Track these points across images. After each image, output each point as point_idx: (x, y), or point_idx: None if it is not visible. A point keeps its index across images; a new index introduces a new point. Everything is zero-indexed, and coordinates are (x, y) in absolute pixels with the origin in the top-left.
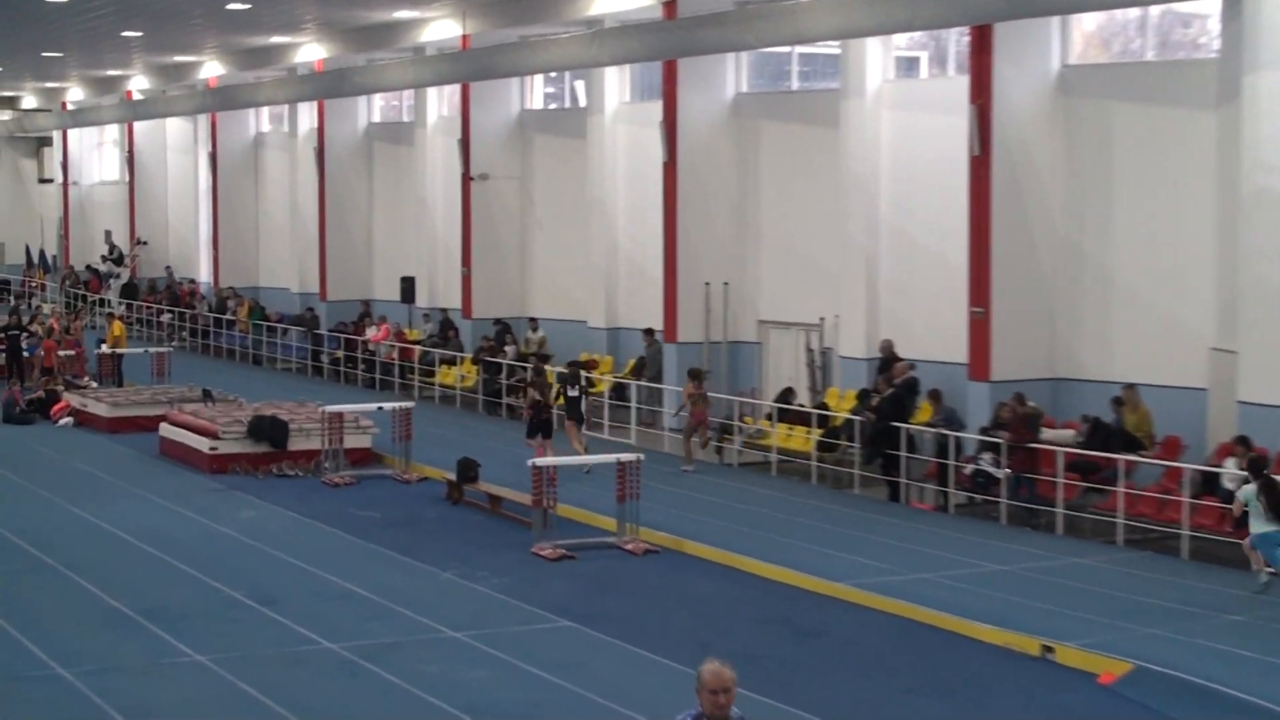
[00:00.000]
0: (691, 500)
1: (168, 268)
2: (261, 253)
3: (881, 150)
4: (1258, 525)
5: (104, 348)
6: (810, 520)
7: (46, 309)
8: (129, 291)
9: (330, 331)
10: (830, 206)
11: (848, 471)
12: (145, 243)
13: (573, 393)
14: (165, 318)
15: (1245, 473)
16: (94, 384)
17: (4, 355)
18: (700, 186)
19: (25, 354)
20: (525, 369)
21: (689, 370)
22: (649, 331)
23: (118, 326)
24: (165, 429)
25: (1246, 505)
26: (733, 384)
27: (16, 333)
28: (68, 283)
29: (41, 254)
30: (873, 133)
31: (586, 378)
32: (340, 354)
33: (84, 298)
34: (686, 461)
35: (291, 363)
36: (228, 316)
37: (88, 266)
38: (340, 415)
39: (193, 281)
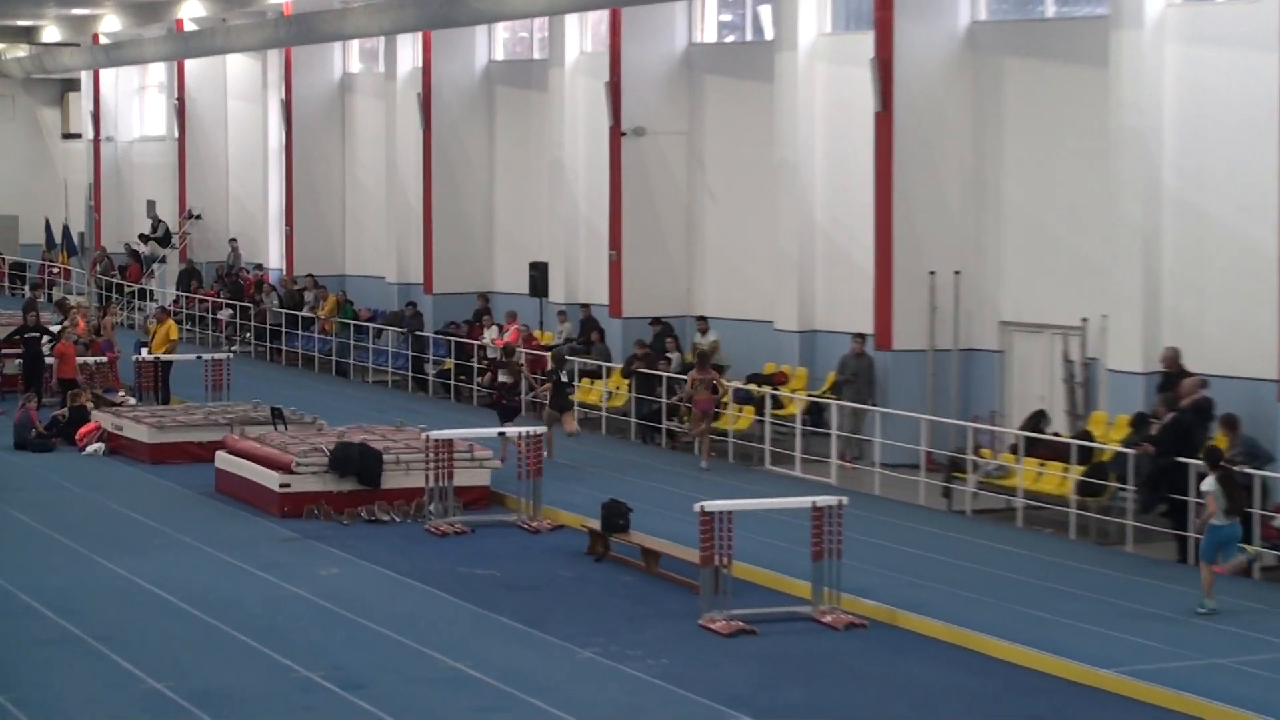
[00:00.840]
0: (908, 558)
1: (232, 242)
2: (349, 232)
3: (1165, 98)
4: (1219, 516)
5: (144, 353)
6: (1069, 586)
7: (73, 302)
8: (189, 280)
9: (437, 334)
10: (1095, 172)
11: (1118, 522)
12: (199, 217)
13: (564, 379)
14: (224, 315)
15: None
16: (131, 400)
17: (19, 364)
18: (924, 145)
19: (48, 362)
20: (683, 381)
21: (695, 354)
22: (859, 337)
23: (171, 327)
24: (223, 459)
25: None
26: (965, 405)
27: (35, 335)
28: (99, 268)
29: (65, 231)
30: (1153, 74)
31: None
32: (450, 363)
33: (120, 288)
34: (704, 457)
35: (387, 374)
36: (304, 313)
37: (126, 247)
38: (450, 444)
39: (259, 268)
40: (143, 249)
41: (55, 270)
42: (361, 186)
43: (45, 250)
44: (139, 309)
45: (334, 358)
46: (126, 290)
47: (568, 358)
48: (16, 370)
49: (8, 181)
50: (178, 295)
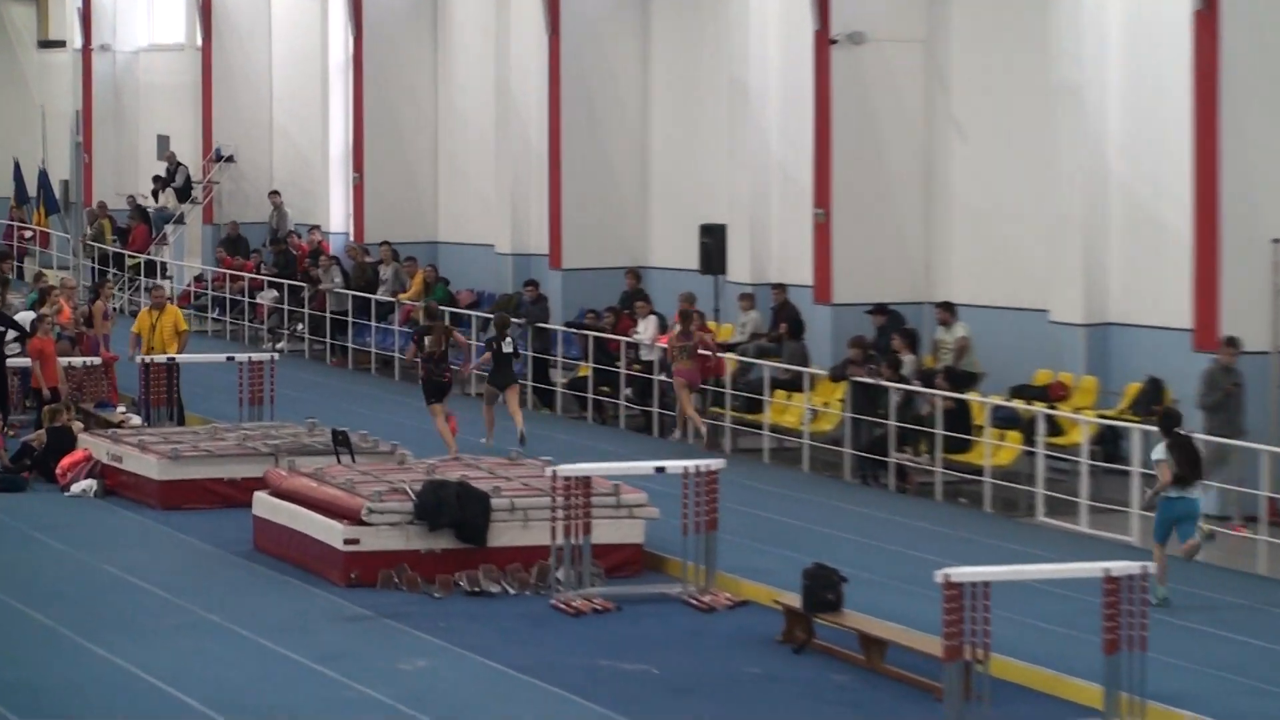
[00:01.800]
0: (1247, 653)
1: (275, 195)
2: (444, 182)
3: None
4: (1169, 488)
5: (138, 355)
6: None
7: (53, 281)
8: (234, 249)
9: (569, 326)
10: None
11: None
12: (230, 159)
13: (505, 348)
14: (266, 298)
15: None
16: (135, 419)
17: None
18: (1266, 54)
19: (17, 366)
20: (889, 388)
21: (680, 312)
22: (1230, 343)
23: (177, 316)
24: (264, 504)
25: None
26: None
27: None
28: (90, 232)
29: (43, 179)
30: None
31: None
32: (587, 368)
33: (120, 260)
34: (696, 435)
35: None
36: (380, 296)
37: (129, 202)
38: (587, 484)
39: (315, 232)
40: (152, 204)
41: (28, 235)
42: (461, 118)
43: (14, 206)
44: (148, 289)
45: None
46: (129, 263)
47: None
48: None
49: None
50: (201, 272)
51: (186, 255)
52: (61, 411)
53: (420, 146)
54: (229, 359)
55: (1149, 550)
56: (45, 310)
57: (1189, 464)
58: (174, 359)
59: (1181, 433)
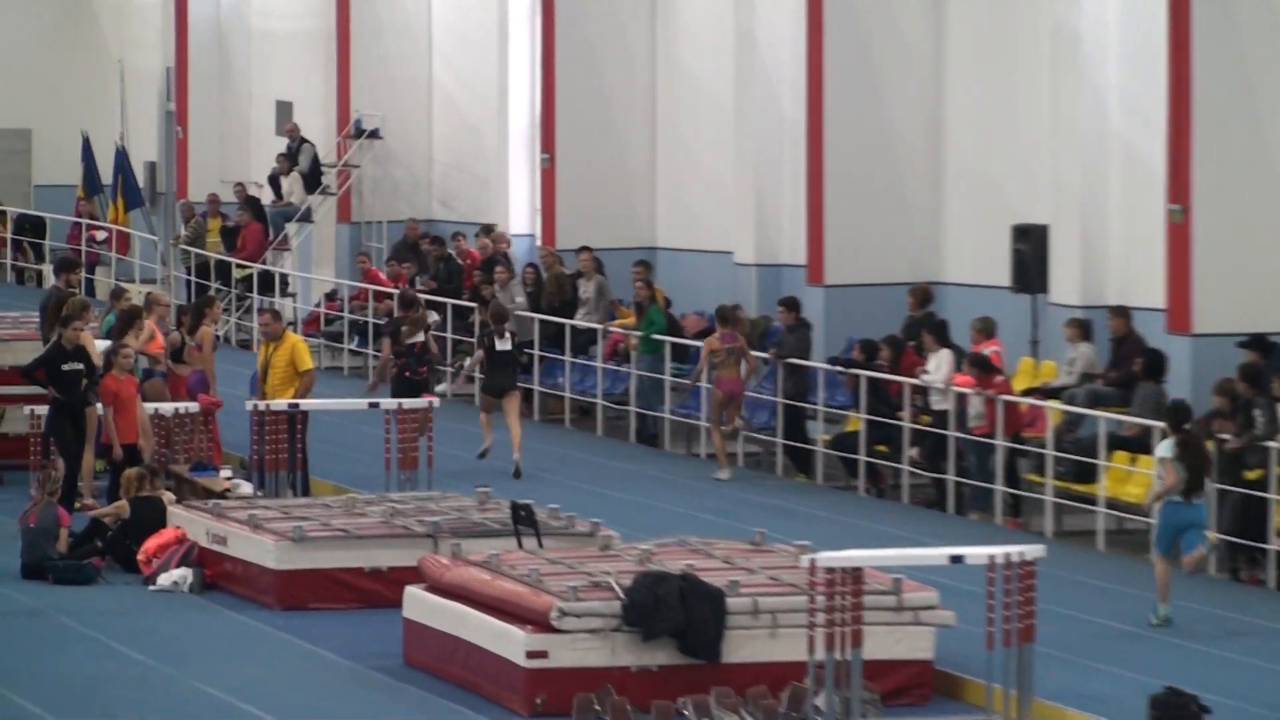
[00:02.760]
0: None
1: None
2: (663, 171)
3: None
4: (1173, 493)
5: (255, 402)
6: None
7: (135, 298)
8: (405, 258)
9: (834, 363)
10: None
11: None
12: (375, 134)
13: (501, 345)
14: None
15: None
16: (245, 486)
17: (35, 416)
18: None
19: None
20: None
21: (717, 311)
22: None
23: (299, 349)
24: (418, 603)
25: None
26: None
27: (69, 365)
28: (187, 232)
29: (121, 161)
30: None
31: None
32: (857, 419)
33: (227, 271)
34: (721, 464)
35: (752, 436)
36: (578, 320)
37: (239, 194)
38: (857, 576)
39: (488, 234)
40: (268, 196)
41: (101, 236)
42: (688, 80)
43: (82, 197)
44: (267, 308)
45: (634, 407)
46: (238, 275)
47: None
48: (30, 428)
49: (10, 66)
50: (334, 288)
51: (315, 265)
52: (146, 477)
53: (633, 118)
54: (372, 406)
55: None
56: (129, 340)
57: (1196, 468)
58: (298, 406)
59: (1191, 430)
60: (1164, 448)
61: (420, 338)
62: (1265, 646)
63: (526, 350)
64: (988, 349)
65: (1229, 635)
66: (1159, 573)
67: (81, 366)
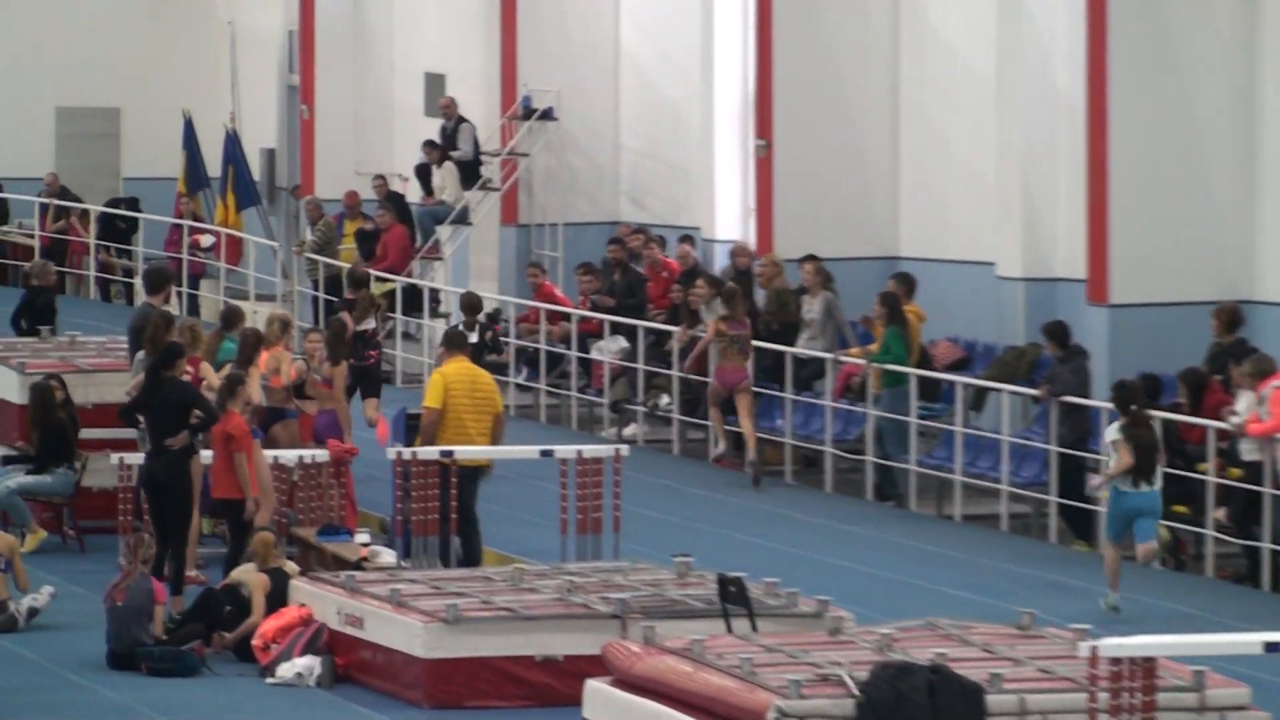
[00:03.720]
0: None
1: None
2: (906, 162)
3: None
4: (1120, 479)
5: (399, 449)
6: None
7: (253, 316)
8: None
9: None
10: None
11: None
12: (549, 115)
13: (471, 338)
14: (608, 350)
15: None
16: (384, 553)
17: (125, 467)
18: None
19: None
20: None
21: (722, 293)
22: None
23: (451, 369)
24: (602, 700)
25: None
26: None
27: (175, 400)
28: (314, 236)
29: (232, 149)
30: None
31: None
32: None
33: (363, 283)
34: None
35: (998, 495)
36: (804, 350)
37: (378, 188)
38: (1149, 668)
39: (687, 242)
40: (416, 193)
41: (206, 243)
42: (941, 50)
43: (183, 193)
44: (416, 329)
45: (871, 456)
46: (378, 290)
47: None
48: (119, 480)
49: (96, 30)
50: (498, 307)
51: (473, 277)
52: (268, 543)
53: (869, 95)
54: (544, 454)
55: None
56: (260, 371)
57: (1145, 450)
58: (450, 454)
59: (1140, 411)
60: (1113, 430)
61: (370, 323)
62: None
63: (502, 341)
64: None
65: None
66: (1109, 560)
67: (177, 400)
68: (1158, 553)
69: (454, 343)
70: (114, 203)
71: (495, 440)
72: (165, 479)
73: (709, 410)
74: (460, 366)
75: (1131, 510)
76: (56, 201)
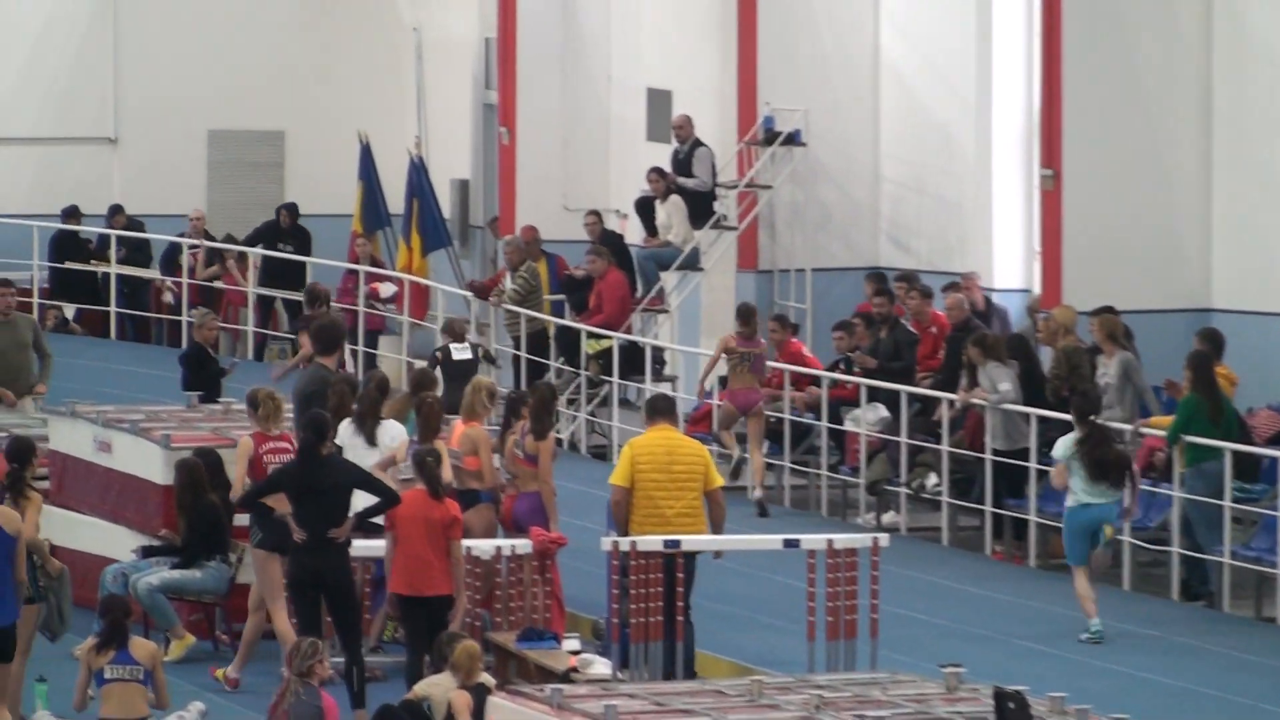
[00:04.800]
0: None
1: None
2: (1221, 200)
3: None
4: (1077, 493)
5: (616, 538)
6: None
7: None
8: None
9: None
10: None
11: None
12: (795, 139)
13: (459, 354)
14: (865, 420)
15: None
16: (596, 662)
17: (294, 567)
18: None
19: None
20: None
21: (738, 309)
22: None
23: (644, 439)
24: None
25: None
26: None
27: (335, 478)
28: (515, 286)
29: (417, 180)
30: None
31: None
32: None
33: (570, 343)
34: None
35: None
36: (1116, 422)
37: (590, 226)
38: None
39: (955, 291)
40: (637, 232)
41: (389, 292)
42: (1262, 60)
43: (359, 233)
44: (636, 396)
45: (1176, 548)
46: (591, 350)
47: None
48: (284, 577)
49: (258, 42)
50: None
51: (705, 333)
52: (479, 659)
53: (1178, 114)
54: (788, 545)
55: None
56: (452, 447)
57: (1099, 463)
58: (675, 543)
59: (1098, 422)
60: (1062, 445)
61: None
62: None
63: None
64: None
65: None
66: (1078, 585)
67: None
68: (1108, 560)
69: (656, 409)
70: (266, 239)
71: (714, 524)
72: (332, 577)
73: (719, 434)
74: (658, 436)
75: (1091, 523)
76: (211, 243)
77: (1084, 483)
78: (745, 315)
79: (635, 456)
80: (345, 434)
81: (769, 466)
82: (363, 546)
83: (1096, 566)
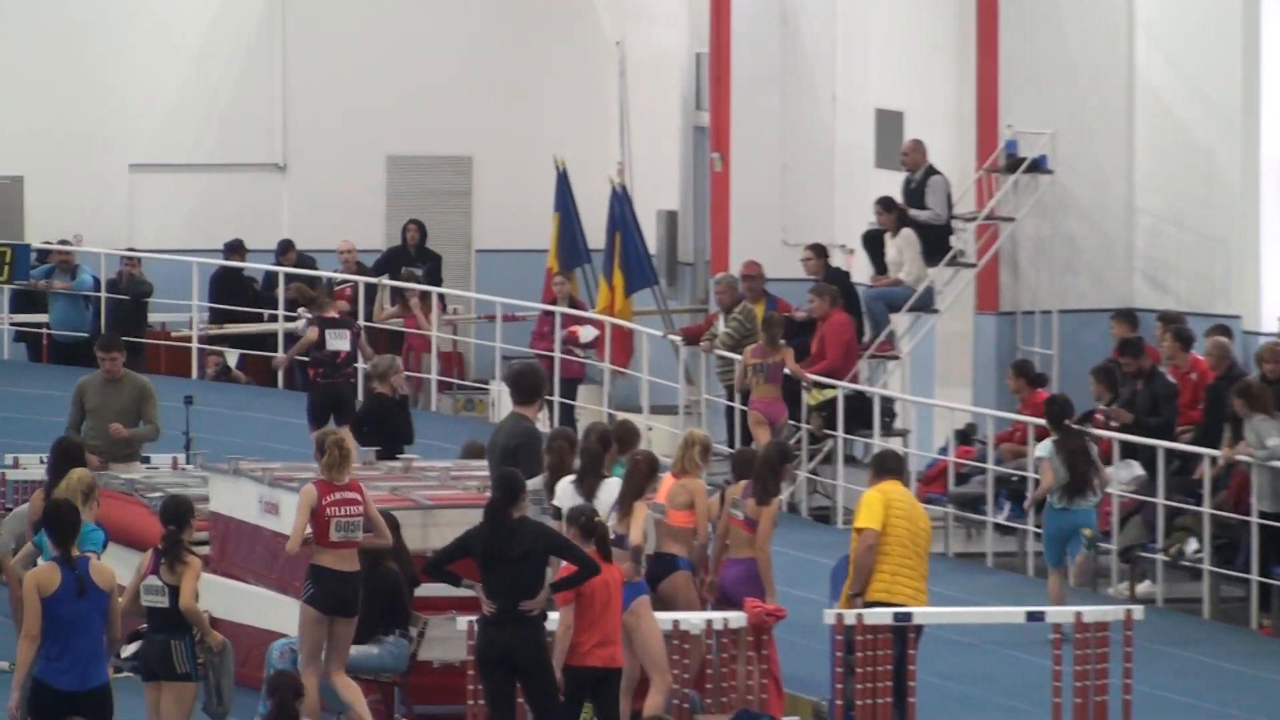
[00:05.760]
0: None
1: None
2: None
3: None
4: (1053, 500)
5: (839, 611)
6: None
7: (647, 434)
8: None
9: None
10: None
11: None
12: (1041, 166)
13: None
14: (1122, 479)
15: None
16: None
17: (480, 642)
18: None
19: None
20: None
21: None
22: None
23: (890, 487)
24: None
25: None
26: None
27: (530, 544)
28: (727, 328)
29: (620, 211)
30: None
31: None
32: None
33: (792, 394)
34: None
35: None
36: None
37: (813, 262)
38: None
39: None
40: (864, 270)
41: (589, 337)
42: None
43: (556, 270)
44: (863, 452)
45: None
46: (813, 400)
47: None
48: (468, 653)
49: (441, 55)
50: (971, 423)
51: (939, 383)
52: None
53: None
54: (1032, 618)
55: None
56: (637, 511)
57: (1078, 467)
58: (907, 615)
59: (1074, 426)
60: (1044, 447)
61: (340, 344)
62: None
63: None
64: None
65: None
66: (1051, 589)
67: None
68: (1091, 565)
69: (885, 467)
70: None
71: None
72: (525, 654)
73: (753, 430)
74: (900, 488)
75: (1068, 528)
76: (390, 281)
77: (1059, 489)
78: (765, 325)
79: (889, 500)
80: (565, 494)
81: (1009, 530)
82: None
83: (1080, 572)
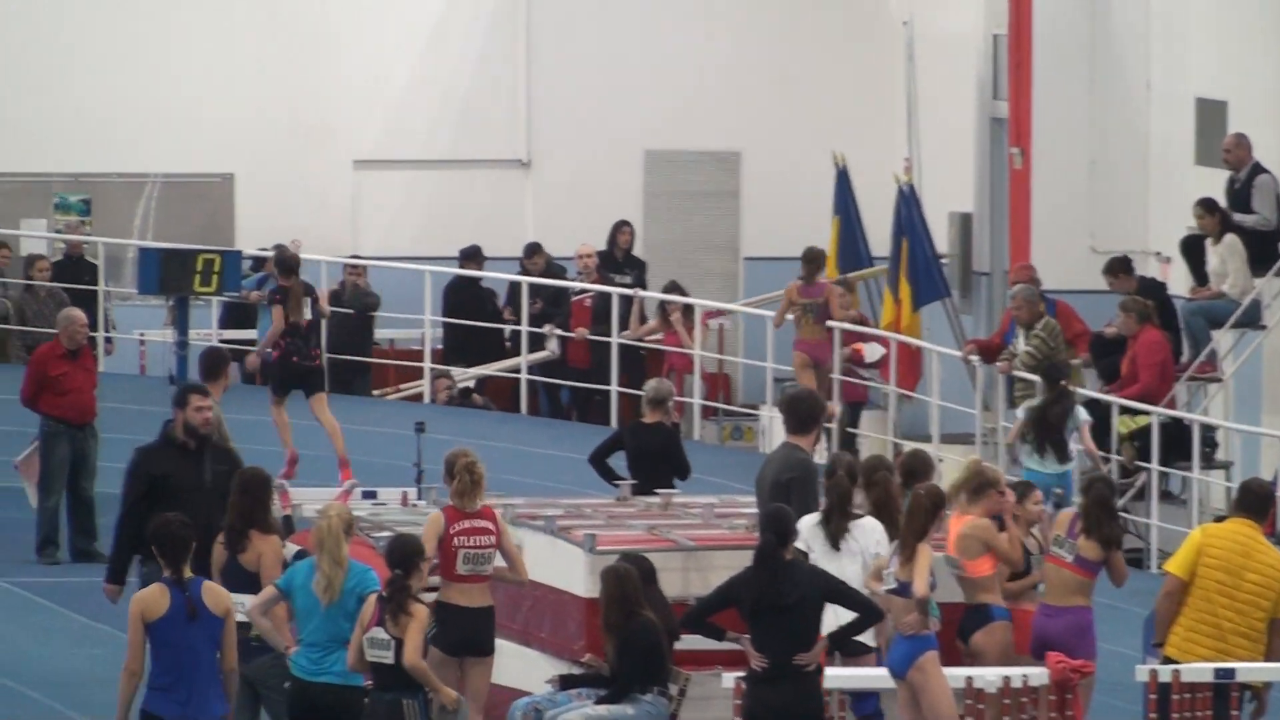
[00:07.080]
0: None
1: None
2: None
3: None
4: (1026, 460)
5: (1154, 667)
6: None
7: (942, 461)
8: None
9: None
10: None
11: None
12: None
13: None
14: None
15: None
16: None
17: (748, 702)
18: None
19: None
20: None
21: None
22: None
23: (1218, 529)
24: None
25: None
26: None
27: (807, 590)
28: (1028, 345)
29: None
30: None
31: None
32: None
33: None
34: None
35: None
36: None
37: (1110, 279)
38: None
39: None
40: (1182, 283)
41: (874, 357)
42: None
43: (836, 280)
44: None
45: None
46: (1125, 427)
47: None
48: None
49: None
50: None
51: (1266, 409)
52: None
53: None
54: None
55: None
56: (922, 554)
57: (1048, 425)
58: (1230, 672)
59: (1069, 388)
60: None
61: (307, 314)
62: None
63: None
64: None
65: None
66: None
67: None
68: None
69: (1244, 503)
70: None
71: (1270, 653)
72: (799, 713)
73: (797, 373)
74: (1237, 530)
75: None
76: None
77: (1032, 449)
78: (806, 258)
79: (1204, 545)
80: (807, 534)
81: None
82: (838, 676)
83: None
